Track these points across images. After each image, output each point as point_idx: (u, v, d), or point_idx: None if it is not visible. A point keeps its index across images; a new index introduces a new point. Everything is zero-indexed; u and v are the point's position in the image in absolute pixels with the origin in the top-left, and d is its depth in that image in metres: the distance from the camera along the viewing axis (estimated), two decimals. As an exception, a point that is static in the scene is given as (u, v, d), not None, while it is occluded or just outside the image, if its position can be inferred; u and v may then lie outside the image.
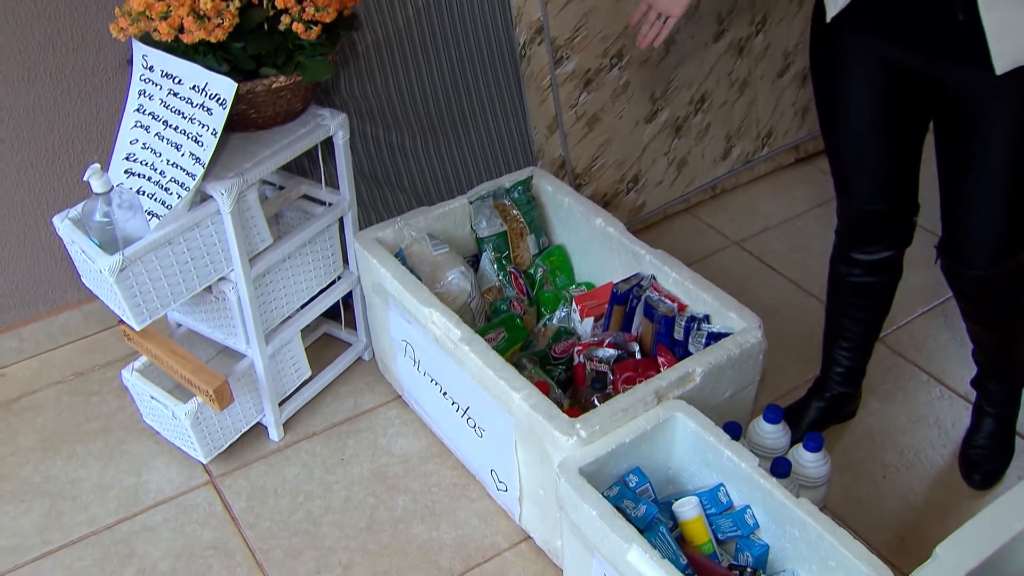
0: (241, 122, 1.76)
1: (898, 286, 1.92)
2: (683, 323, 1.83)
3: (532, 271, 2.10)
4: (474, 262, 2.09)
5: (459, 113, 2.15)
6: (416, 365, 1.94)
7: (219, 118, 1.63)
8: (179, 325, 2.02)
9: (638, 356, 1.88)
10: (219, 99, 1.63)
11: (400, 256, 1.94)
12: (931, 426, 2.10)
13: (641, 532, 1.43)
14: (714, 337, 1.78)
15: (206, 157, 1.64)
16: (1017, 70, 1.44)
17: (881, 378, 2.18)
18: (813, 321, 2.31)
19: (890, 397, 2.17)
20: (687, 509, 1.58)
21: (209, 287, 1.80)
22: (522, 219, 2.07)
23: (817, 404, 2.04)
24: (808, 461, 1.74)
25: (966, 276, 1.71)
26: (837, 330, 2.00)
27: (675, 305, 1.86)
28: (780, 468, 1.63)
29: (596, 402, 1.71)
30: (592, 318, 1.98)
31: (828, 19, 1.60)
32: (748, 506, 1.57)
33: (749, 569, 1.52)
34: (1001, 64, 1.44)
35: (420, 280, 1.86)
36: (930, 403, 2.15)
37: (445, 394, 1.87)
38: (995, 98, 1.51)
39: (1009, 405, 1.96)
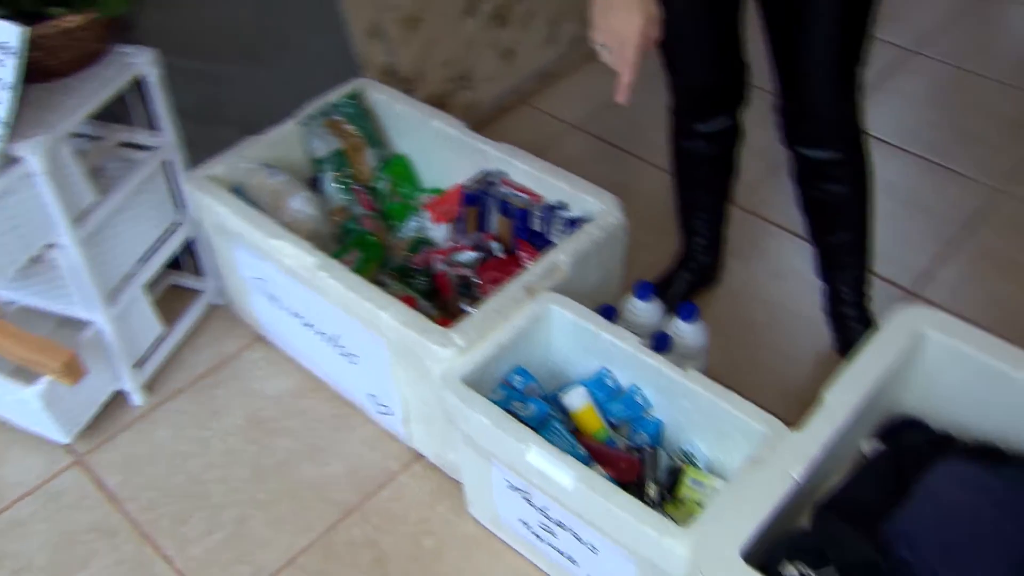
0: (39, 71, 1.60)
1: (742, 147, 1.92)
2: (540, 214, 1.79)
3: (376, 185, 2.02)
4: (315, 185, 2.00)
5: (275, 32, 2.02)
6: (273, 302, 1.86)
7: (11, 70, 1.48)
8: (10, 303, 1.87)
9: (499, 255, 1.84)
10: (7, 48, 1.47)
11: (238, 192, 1.82)
12: (791, 278, 2.15)
13: (535, 431, 1.41)
14: (573, 223, 1.75)
15: (5, 115, 1.48)
16: None
17: (736, 238, 2.21)
18: (664, 192, 2.32)
19: (747, 255, 2.20)
20: (576, 399, 1.56)
21: (36, 257, 1.66)
22: (357, 133, 1.98)
23: (684, 276, 2.06)
24: (686, 332, 1.75)
25: (807, 131, 1.72)
26: (690, 203, 2.00)
27: (529, 197, 1.82)
28: (661, 343, 1.63)
29: (466, 308, 1.67)
30: (446, 223, 1.92)
31: None
32: (636, 386, 1.57)
33: (648, 448, 1.52)
34: None
35: (263, 213, 1.76)
36: (786, 256, 2.20)
37: (309, 326, 1.80)
38: None
39: (859, 286, 1.97)
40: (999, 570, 1.24)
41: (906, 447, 1.45)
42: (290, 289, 1.76)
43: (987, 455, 1.42)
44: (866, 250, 1.89)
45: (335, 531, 1.69)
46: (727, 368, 1.92)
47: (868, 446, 1.49)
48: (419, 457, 1.79)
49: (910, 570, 1.23)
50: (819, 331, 2.01)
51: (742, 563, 1.18)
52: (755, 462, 1.34)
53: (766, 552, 1.25)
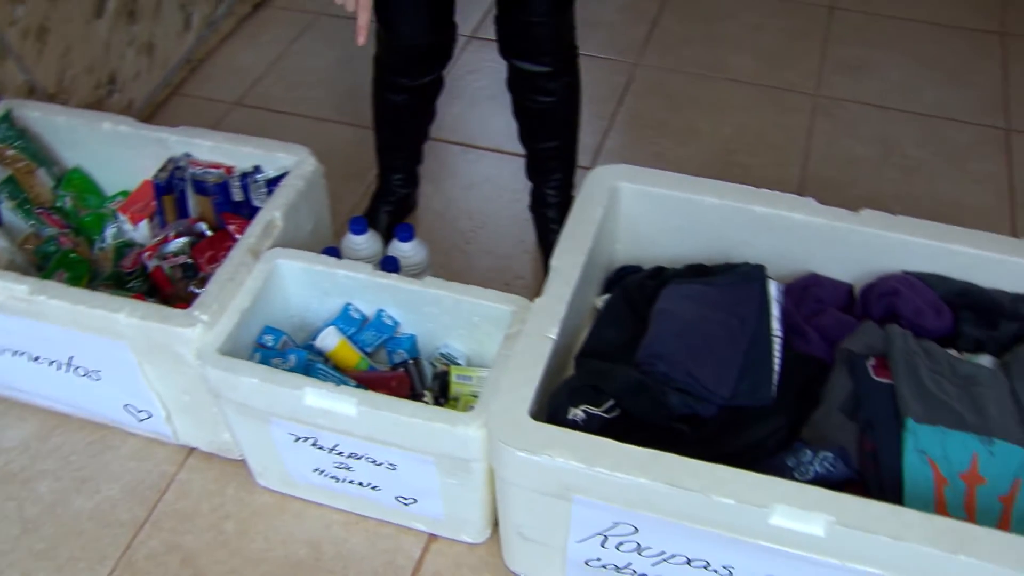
0: None
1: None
2: (238, 183, 1.80)
3: (60, 204, 1.94)
4: (-8, 221, 1.89)
5: None
6: (-14, 349, 1.75)
7: None
8: None
9: (209, 233, 1.84)
10: None
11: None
12: (483, 185, 2.29)
13: (304, 376, 1.45)
14: (273, 183, 1.78)
15: None
16: None
17: (426, 163, 2.32)
18: (342, 140, 2.39)
19: (437, 176, 2.32)
20: (328, 340, 1.62)
21: None
22: (22, 156, 1.89)
23: (385, 209, 2.14)
24: (408, 250, 1.84)
25: (523, 44, 1.83)
26: (392, 145, 2.10)
27: (222, 170, 1.83)
28: (390, 264, 1.71)
29: (195, 291, 1.67)
30: (145, 220, 1.89)
31: None
32: (380, 310, 1.64)
33: (409, 361, 1.60)
34: None
35: (-52, 259, 1.65)
36: (473, 167, 2.34)
37: (37, 359, 1.72)
38: None
39: (564, 189, 2.11)
40: (738, 355, 1.44)
41: (630, 289, 1.62)
42: (4, 326, 1.67)
43: (697, 272, 1.63)
44: (573, 156, 2.06)
45: (132, 550, 1.65)
46: (451, 277, 2.02)
47: (600, 302, 1.65)
48: (192, 451, 1.78)
49: (670, 379, 1.40)
50: (522, 227, 2.17)
51: (534, 423, 1.30)
52: (512, 336, 1.46)
53: (549, 408, 1.38)
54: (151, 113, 2.53)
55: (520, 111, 1.98)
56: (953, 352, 1.54)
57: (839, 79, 2.65)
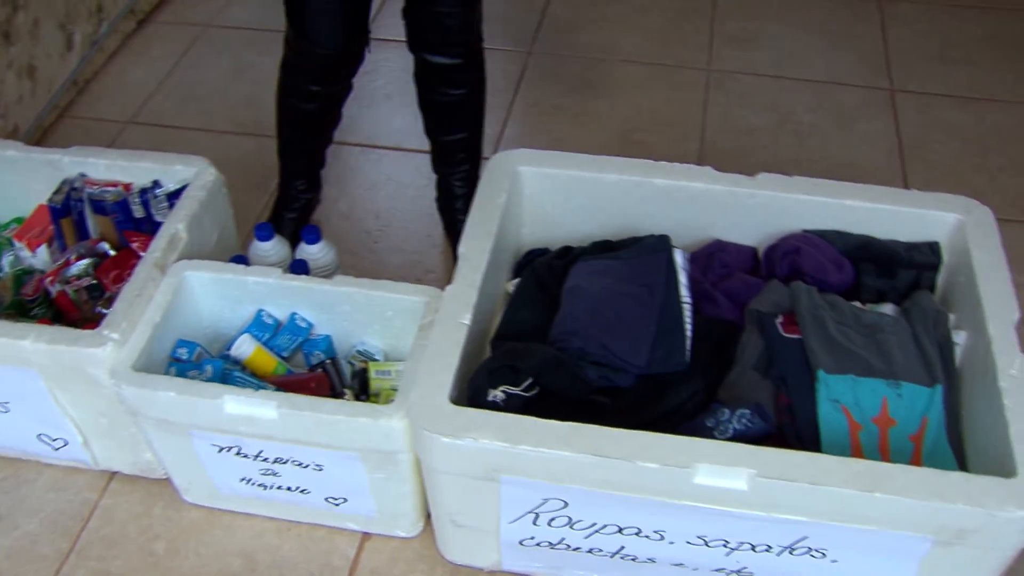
0: None
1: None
2: (138, 199, 1.77)
3: (-49, 237, 1.88)
4: None
5: None
6: None
7: None
8: None
9: (111, 253, 1.80)
10: None
11: None
12: (386, 184, 2.28)
13: (222, 386, 1.44)
14: (175, 196, 1.75)
15: None
16: None
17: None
18: (241, 150, 2.37)
19: (341, 178, 2.31)
20: (244, 347, 1.60)
21: None
22: (-93, 191, 1.83)
23: (289, 216, 2.12)
24: (315, 253, 1.83)
25: (431, 38, 1.84)
26: (297, 150, 2.08)
27: (120, 188, 1.80)
28: (299, 268, 1.70)
29: (102, 310, 1.63)
30: (44, 245, 1.84)
31: None
32: (293, 313, 1.63)
33: (327, 361, 1.60)
34: None
35: None
36: (375, 167, 2.33)
37: (-59, 396, 1.67)
38: None
39: (470, 181, 2.10)
40: (650, 325, 1.47)
41: (539, 270, 1.64)
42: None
43: (603, 249, 1.65)
44: (479, 147, 2.07)
45: (58, 582, 1.61)
46: (362, 277, 2.02)
47: (511, 286, 1.67)
48: (114, 475, 1.74)
49: (585, 353, 1.42)
50: (429, 222, 2.17)
51: (454, 408, 1.30)
52: (426, 326, 1.46)
53: (469, 392, 1.38)
54: (40, 137, 2.47)
55: (428, 104, 1.99)
56: (857, 304, 1.59)
57: (729, 52, 2.71)
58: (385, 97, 2.54)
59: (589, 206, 1.69)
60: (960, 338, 1.51)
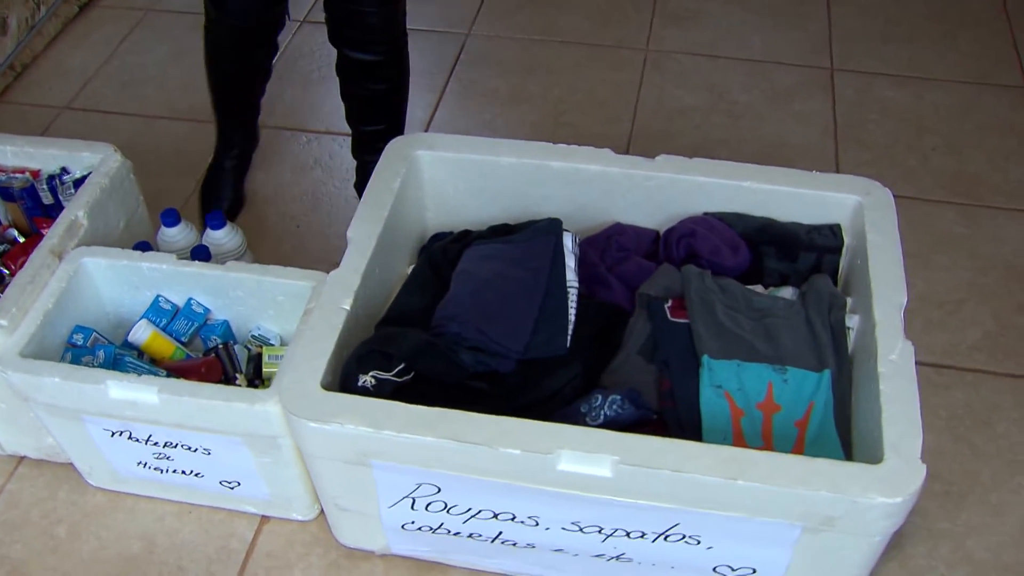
0: None
1: None
2: (45, 186, 1.78)
3: None
4: None
5: None
6: None
7: None
8: None
9: (21, 239, 1.81)
10: None
11: None
12: (314, 168, 2.28)
13: (110, 371, 1.45)
14: (81, 182, 1.76)
15: None
16: None
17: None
18: (176, 136, 2.37)
19: (269, 161, 2.31)
20: (140, 332, 1.60)
21: None
22: None
23: (229, 163, 2.18)
24: (220, 238, 1.83)
25: (352, 34, 1.85)
26: (228, 106, 2.12)
27: (27, 175, 1.80)
28: (200, 254, 1.70)
29: (3, 297, 1.64)
30: (-44, 232, 1.85)
31: None
32: (190, 298, 1.64)
33: (220, 346, 1.60)
34: None
35: None
36: (304, 150, 2.33)
37: None
38: None
39: None
40: (532, 309, 1.47)
41: (434, 254, 1.64)
42: None
43: (500, 232, 1.65)
44: (400, 134, 2.07)
45: (-45, 570, 1.63)
46: (282, 261, 2.02)
47: (408, 269, 1.67)
48: (22, 459, 1.75)
49: (462, 339, 1.42)
50: (355, 205, 2.17)
51: (324, 393, 1.31)
52: (308, 311, 1.47)
53: (341, 378, 1.38)
54: (-27, 124, 2.48)
55: (348, 96, 2.00)
56: (759, 287, 1.59)
57: (669, 32, 2.69)
58: (319, 80, 2.53)
59: (489, 190, 1.69)
60: (854, 322, 1.51)
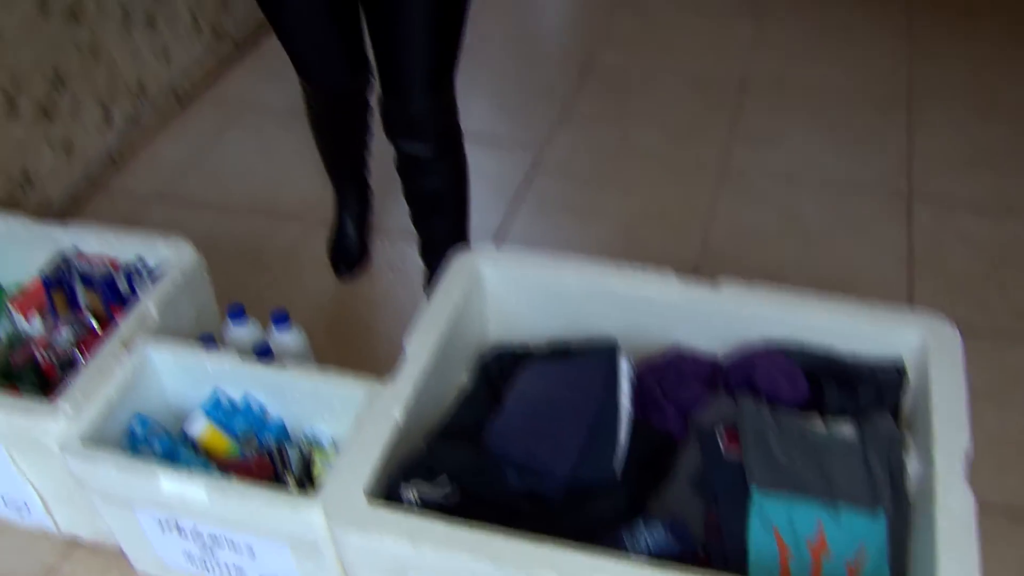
0: None
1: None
2: (123, 276, 1.85)
3: (-45, 301, 1.98)
4: None
5: None
6: None
7: None
8: None
9: (97, 327, 1.87)
10: None
11: None
12: (386, 271, 2.33)
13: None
14: (155, 274, 1.82)
15: None
16: None
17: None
18: (256, 230, 2.44)
19: (345, 261, 2.37)
20: (196, 425, 1.64)
21: None
22: (-83, 256, 1.94)
23: (350, 227, 2.34)
24: (282, 338, 1.86)
25: (403, 124, 1.92)
26: (335, 163, 2.28)
27: (108, 264, 1.87)
28: (262, 352, 1.74)
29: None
30: (37, 315, 1.93)
31: None
32: (248, 395, 1.67)
33: (274, 446, 1.62)
34: None
35: None
36: (376, 253, 2.39)
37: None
38: None
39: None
40: (581, 433, 1.46)
41: (493, 369, 1.65)
42: None
43: (558, 350, 1.66)
44: (464, 238, 2.11)
45: (7, 643, 1.66)
46: (347, 362, 2.05)
47: (467, 379, 1.68)
48: (76, 541, 1.79)
49: (510, 459, 1.41)
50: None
51: (366, 504, 1.31)
52: (360, 419, 1.48)
53: (387, 489, 1.39)
54: (69, 208, 2.59)
55: (408, 195, 2.04)
56: (818, 420, 1.56)
57: (747, 151, 2.70)
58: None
59: (551, 305, 1.70)
60: (913, 465, 1.47)
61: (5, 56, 2.34)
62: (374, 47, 1.86)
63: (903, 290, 2.24)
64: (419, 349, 1.54)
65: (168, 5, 2.86)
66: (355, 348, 2.14)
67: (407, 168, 1.99)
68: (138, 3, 2.73)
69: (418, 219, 2.08)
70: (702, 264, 2.29)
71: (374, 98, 2.03)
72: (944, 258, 2.34)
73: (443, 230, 2.07)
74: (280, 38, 1.93)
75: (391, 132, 1.94)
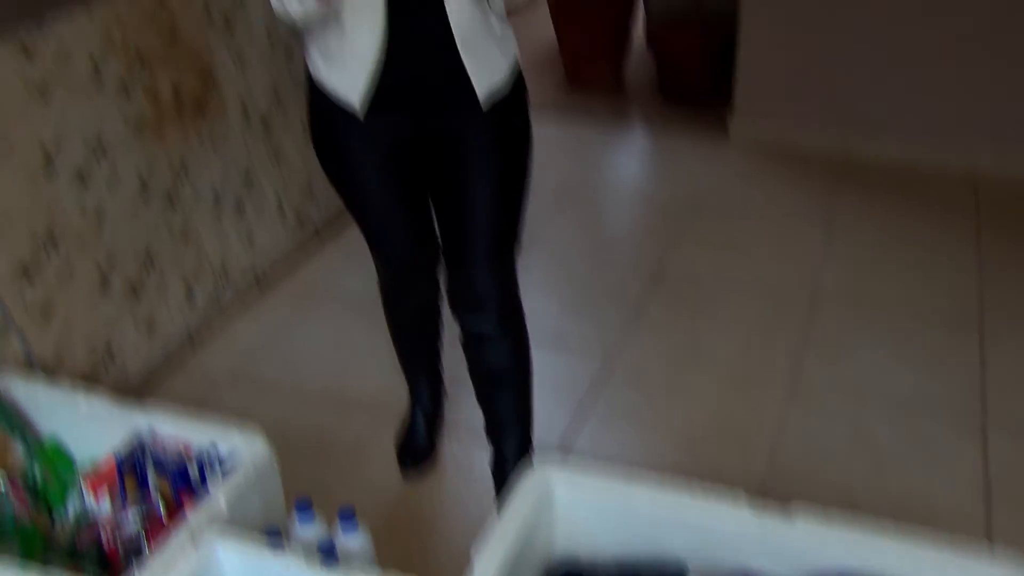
0: None
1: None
2: (195, 463, 1.87)
3: (31, 474, 2.01)
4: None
5: None
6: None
7: None
8: None
9: (164, 514, 1.88)
10: None
11: None
12: (454, 474, 2.33)
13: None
14: (227, 465, 1.84)
15: None
16: (495, 106, 1.80)
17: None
18: (324, 419, 2.47)
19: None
20: (257, 626, 1.62)
21: None
22: (-1, 429, 1.98)
23: (419, 418, 2.35)
24: (347, 539, 1.84)
25: (466, 301, 1.99)
26: (408, 351, 2.31)
27: (182, 450, 1.90)
28: (328, 551, 1.73)
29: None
30: (107, 495, 1.94)
31: (360, 110, 1.78)
32: (311, 594, 1.65)
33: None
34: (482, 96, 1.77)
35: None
36: (445, 452, 2.39)
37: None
38: (483, 132, 1.83)
39: (522, 450, 2.20)
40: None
41: (559, 584, 1.62)
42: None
43: (627, 572, 1.62)
44: (527, 416, 2.14)
45: None
46: (409, 566, 2.02)
47: (531, 593, 1.65)
48: None
49: None
50: (484, 514, 2.19)
51: None
52: (424, 632, 1.46)
53: None
54: (146, 384, 2.65)
55: (473, 372, 2.11)
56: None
57: (817, 363, 2.69)
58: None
59: (620, 524, 1.68)
60: None
61: (105, 236, 2.45)
62: (439, 224, 1.97)
63: (980, 523, 2.17)
64: (488, 565, 1.52)
65: (257, 191, 2.99)
66: (416, 549, 2.11)
67: (471, 344, 2.06)
68: (230, 189, 2.86)
69: (481, 395, 2.14)
70: (770, 480, 2.25)
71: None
72: (1022, 488, 2.27)
73: (506, 407, 2.12)
74: (353, 214, 2.02)
75: (456, 307, 2.02)
